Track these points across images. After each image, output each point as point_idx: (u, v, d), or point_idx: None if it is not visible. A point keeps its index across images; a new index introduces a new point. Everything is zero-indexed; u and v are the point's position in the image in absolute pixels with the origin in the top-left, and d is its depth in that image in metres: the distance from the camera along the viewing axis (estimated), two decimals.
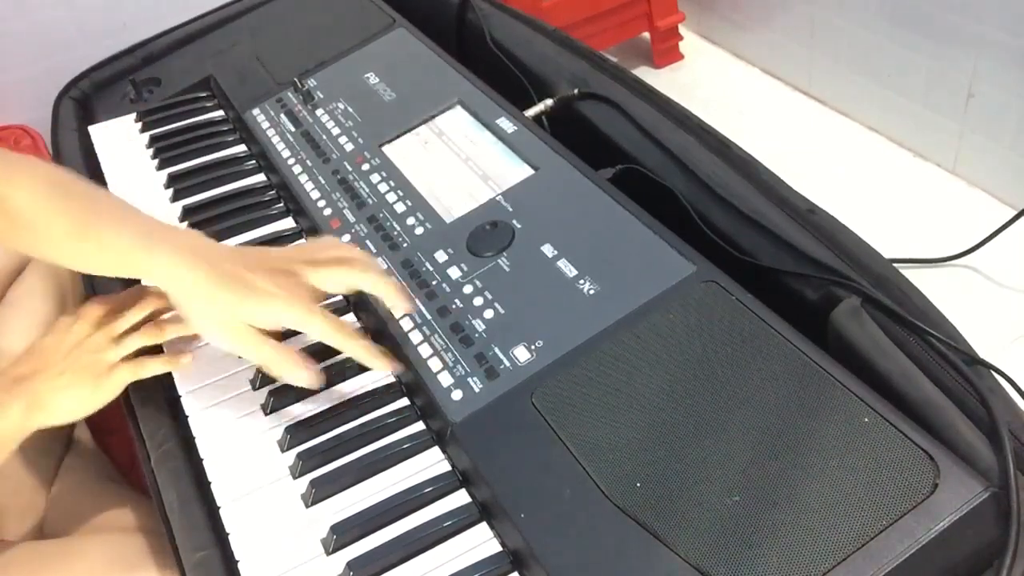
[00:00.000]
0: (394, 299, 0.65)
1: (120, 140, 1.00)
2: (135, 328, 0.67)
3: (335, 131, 0.87)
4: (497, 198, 0.73)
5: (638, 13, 1.74)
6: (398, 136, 0.84)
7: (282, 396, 0.67)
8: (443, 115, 0.84)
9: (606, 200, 0.69)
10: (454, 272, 0.68)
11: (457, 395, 0.60)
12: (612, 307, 0.61)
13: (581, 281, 0.63)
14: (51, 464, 0.85)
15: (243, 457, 0.63)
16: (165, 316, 0.71)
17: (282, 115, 0.93)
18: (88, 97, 1.14)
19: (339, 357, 0.69)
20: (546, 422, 0.56)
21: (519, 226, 0.69)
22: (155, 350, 0.70)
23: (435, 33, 0.97)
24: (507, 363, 0.60)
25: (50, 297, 0.90)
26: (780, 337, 0.56)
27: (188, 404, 0.68)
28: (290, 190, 0.84)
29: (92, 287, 0.81)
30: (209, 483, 0.62)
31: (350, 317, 0.73)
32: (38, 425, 0.63)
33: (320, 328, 0.61)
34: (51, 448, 0.86)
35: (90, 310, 0.67)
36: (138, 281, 0.71)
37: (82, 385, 0.63)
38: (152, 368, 0.67)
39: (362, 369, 0.68)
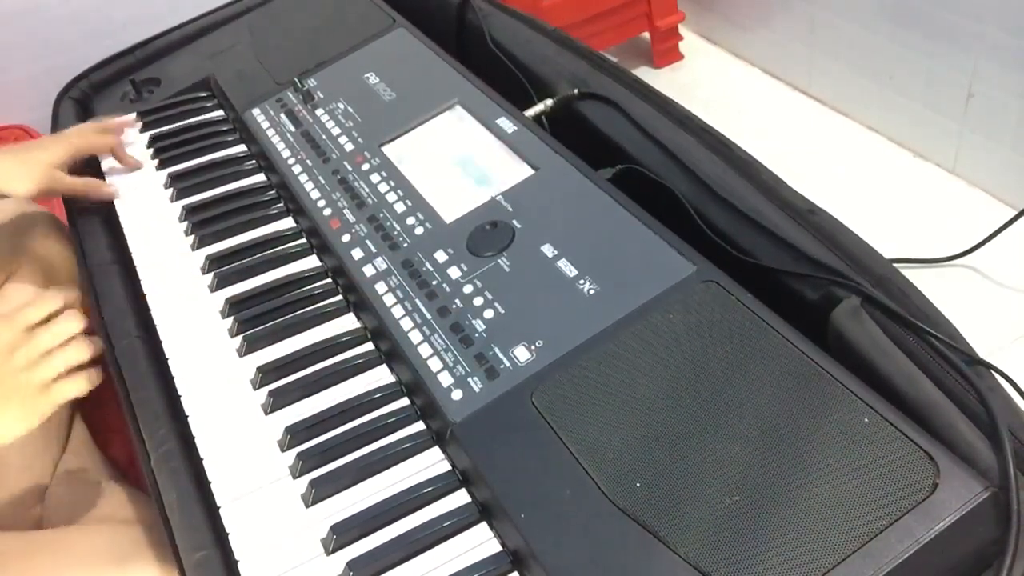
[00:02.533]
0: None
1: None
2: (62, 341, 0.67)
3: (335, 131, 0.87)
4: (497, 198, 0.73)
5: (638, 13, 1.74)
6: (398, 136, 0.84)
7: (282, 396, 0.67)
8: (443, 115, 0.84)
9: (606, 200, 0.69)
10: (454, 272, 0.68)
11: (457, 395, 0.60)
12: (612, 307, 0.61)
13: (581, 281, 0.63)
14: (47, 464, 0.85)
15: (243, 457, 0.63)
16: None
17: (282, 115, 0.93)
18: (88, 97, 1.14)
19: (338, 358, 0.69)
20: (546, 422, 0.56)
21: (519, 226, 0.69)
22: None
23: (435, 33, 0.97)
24: (507, 363, 0.60)
25: None
26: (780, 337, 0.56)
27: (188, 404, 0.68)
28: (290, 190, 0.84)
29: (92, 284, 0.81)
30: (209, 483, 0.62)
31: (350, 317, 0.73)
32: None
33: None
34: (47, 448, 0.86)
35: (5, 328, 0.66)
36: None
37: (11, 408, 0.63)
38: (79, 387, 0.67)
39: (361, 370, 0.68)
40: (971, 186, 1.40)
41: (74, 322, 0.68)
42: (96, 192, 0.91)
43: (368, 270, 0.72)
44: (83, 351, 0.68)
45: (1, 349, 0.65)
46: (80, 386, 0.67)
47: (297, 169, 0.85)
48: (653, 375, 0.56)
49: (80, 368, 0.68)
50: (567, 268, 0.65)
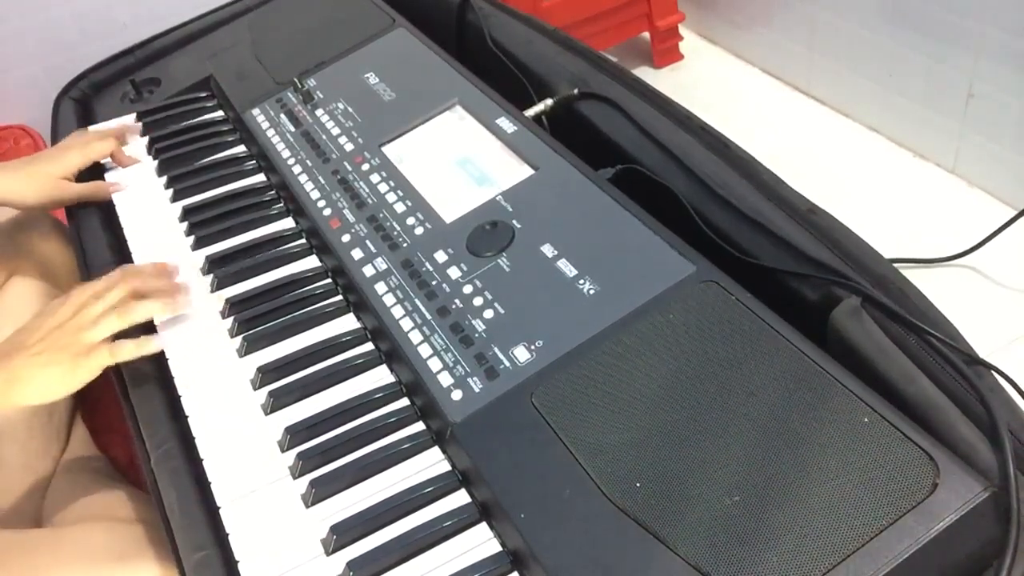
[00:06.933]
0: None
1: None
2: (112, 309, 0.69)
3: (335, 131, 0.87)
4: (497, 198, 0.73)
5: (638, 13, 1.74)
6: (398, 136, 0.84)
7: (282, 396, 0.67)
8: (443, 115, 0.84)
9: (606, 200, 0.69)
10: (454, 272, 0.68)
11: (457, 395, 0.60)
12: (612, 307, 0.61)
13: (581, 281, 0.63)
14: (48, 463, 0.86)
15: (243, 457, 0.63)
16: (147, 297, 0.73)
17: (282, 115, 0.93)
18: (88, 97, 1.14)
19: (338, 358, 0.69)
20: (546, 422, 0.56)
21: (519, 226, 0.69)
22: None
23: (435, 33, 0.97)
24: (507, 363, 0.60)
25: (42, 300, 0.90)
26: (780, 337, 0.56)
27: (188, 404, 0.68)
28: (290, 190, 0.84)
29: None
30: (209, 483, 0.62)
31: (350, 318, 0.73)
32: (17, 402, 0.65)
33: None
34: (48, 448, 0.86)
35: (76, 294, 0.70)
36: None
37: (59, 364, 0.65)
38: (126, 351, 0.69)
39: (361, 370, 0.68)
40: (971, 186, 1.40)
41: (117, 290, 0.70)
42: (104, 194, 0.91)
43: (368, 270, 0.72)
44: (126, 318, 0.69)
45: (68, 310, 0.68)
46: (124, 351, 0.69)
47: (297, 169, 0.85)
48: (653, 375, 0.56)
49: (128, 335, 0.70)
50: (567, 268, 0.65)
